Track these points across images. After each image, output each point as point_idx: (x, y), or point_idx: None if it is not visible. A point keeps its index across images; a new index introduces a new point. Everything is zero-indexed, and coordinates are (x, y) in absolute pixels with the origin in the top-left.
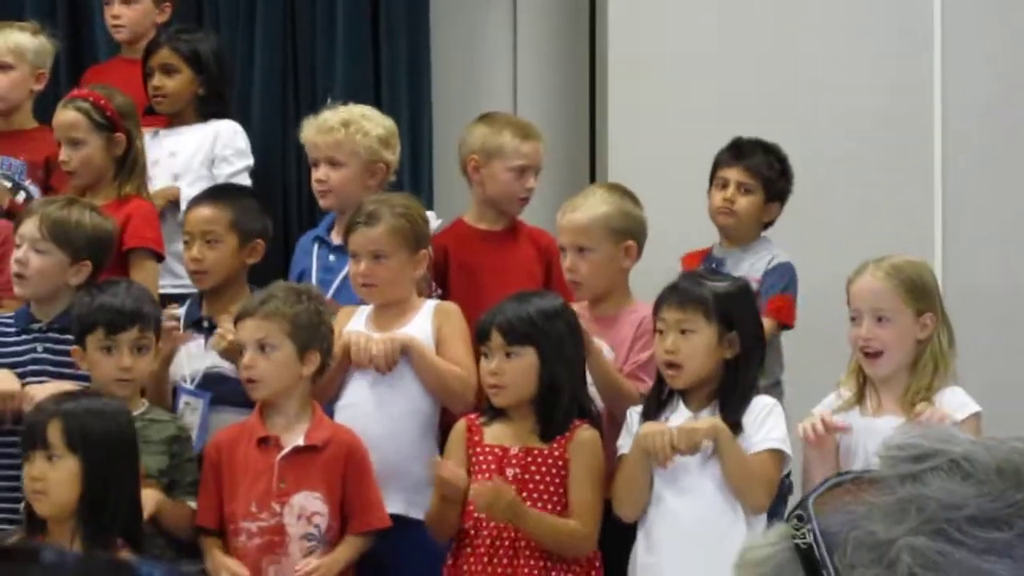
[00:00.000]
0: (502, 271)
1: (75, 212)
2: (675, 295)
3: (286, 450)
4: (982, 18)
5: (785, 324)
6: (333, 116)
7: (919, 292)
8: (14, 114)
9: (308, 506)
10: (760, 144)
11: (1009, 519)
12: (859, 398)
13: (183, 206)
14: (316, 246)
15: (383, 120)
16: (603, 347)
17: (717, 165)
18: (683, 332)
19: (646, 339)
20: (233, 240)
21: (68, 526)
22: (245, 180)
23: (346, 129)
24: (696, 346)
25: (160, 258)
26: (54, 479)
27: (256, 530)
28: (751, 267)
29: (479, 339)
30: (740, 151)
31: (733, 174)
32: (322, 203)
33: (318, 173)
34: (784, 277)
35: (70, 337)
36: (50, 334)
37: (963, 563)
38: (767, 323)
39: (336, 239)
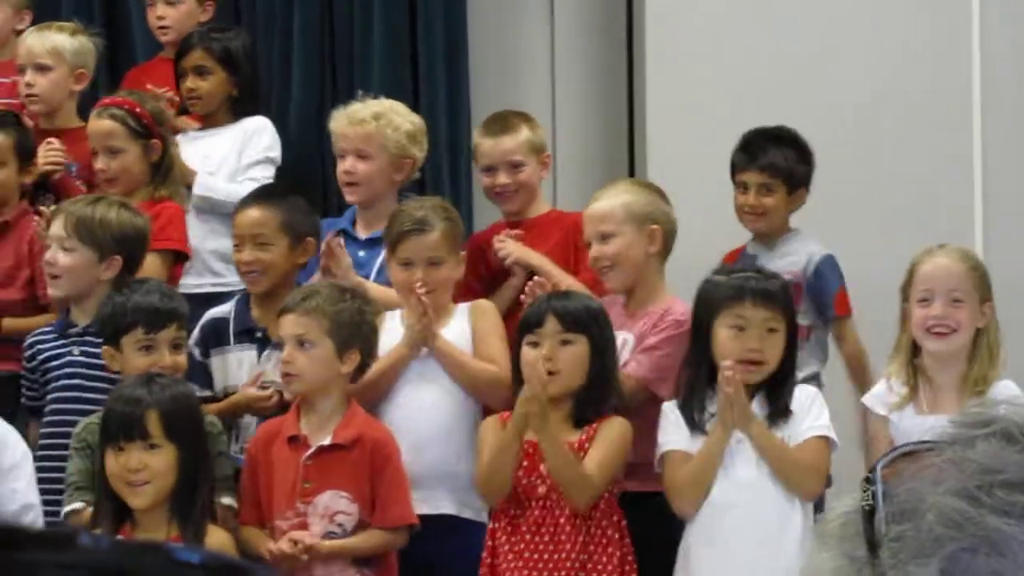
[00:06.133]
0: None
1: (100, 209)
2: (760, 295)
3: (311, 450)
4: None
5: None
6: (364, 108)
7: (985, 280)
8: (57, 114)
9: (333, 505)
10: (770, 136)
11: None
12: (912, 394)
13: (218, 197)
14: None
15: (412, 116)
16: (628, 340)
17: (734, 167)
18: (769, 331)
19: (663, 327)
20: (284, 241)
21: (161, 515)
22: (267, 172)
23: (377, 122)
24: (778, 344)
25: (184, 257)
26: (157, 469)
27: (287, 528)
28: (788, 262)
29: (529, 327)
30: (752, 152)
31: (751, 177)
32: (348, 197)
33: (345, 165)
34: (836, 271)
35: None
36: (87, 337)
37: (980, 522)
38: (846, 320)
39: (362, 233)
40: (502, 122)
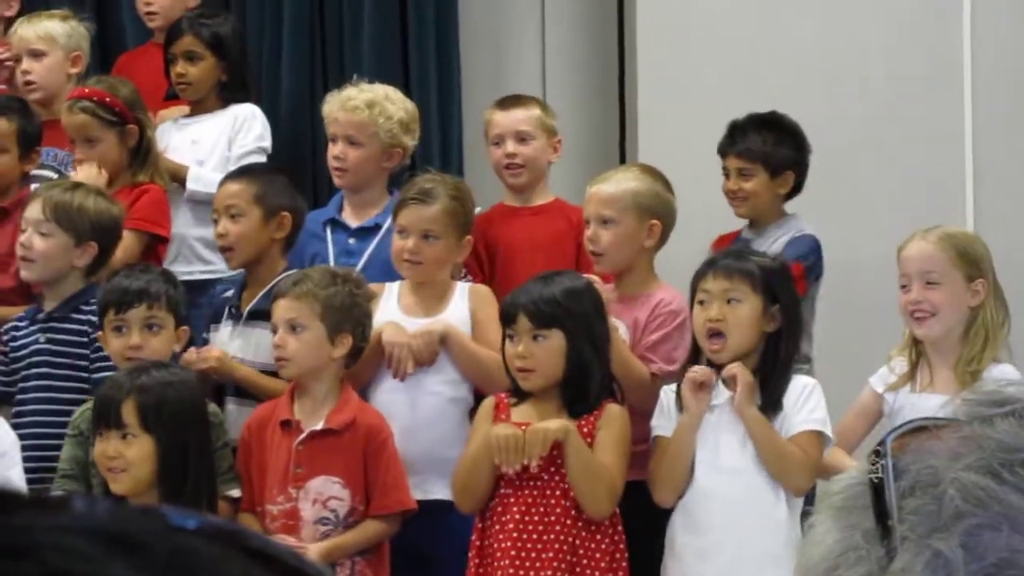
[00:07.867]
0: (529, 246)
1: (79, 195)
2: (720, 267)
3: (303, 435)
4: None
5: None
6: (358, 95)
7: (969, 257)
8: (55, 102)
9: (325, 491)
10: (755, 121)
11: None
12: (911, 375)
13: (211, 190)
14: (329, 230)
15: (406, 103)
16: (619, 326)
17: (719, 154)
18: (728, 302)
19: (660, 320)
20: (256, 213)
21: (150, 500)
22: (259, 159)
23: (370, 110)
24: (742, 315)
25: (161, 240)
26: (131, 458)
27: (277, 513)
28: (775, 243)
29: (504, 322)
30: (733, 137)
31: (731, 162)
32: (337, 181)
33: (335, 150)
34: (802, 248)
35: (69, 327)
36: (51, 324)
37: (1005, 500)
38: None
39: (353, 221)
40: (516, 98)
